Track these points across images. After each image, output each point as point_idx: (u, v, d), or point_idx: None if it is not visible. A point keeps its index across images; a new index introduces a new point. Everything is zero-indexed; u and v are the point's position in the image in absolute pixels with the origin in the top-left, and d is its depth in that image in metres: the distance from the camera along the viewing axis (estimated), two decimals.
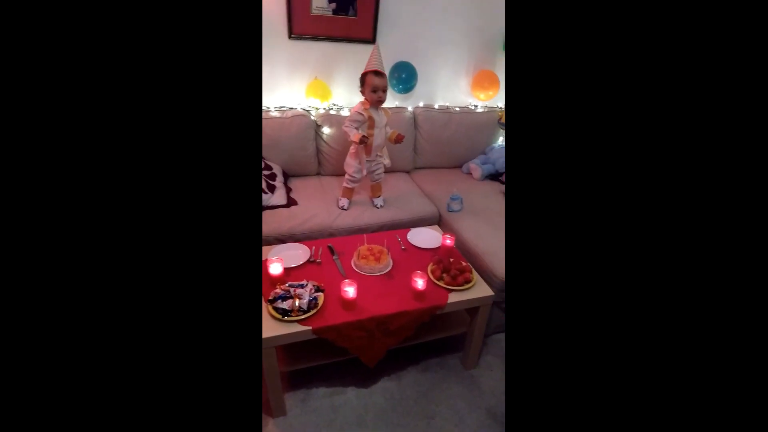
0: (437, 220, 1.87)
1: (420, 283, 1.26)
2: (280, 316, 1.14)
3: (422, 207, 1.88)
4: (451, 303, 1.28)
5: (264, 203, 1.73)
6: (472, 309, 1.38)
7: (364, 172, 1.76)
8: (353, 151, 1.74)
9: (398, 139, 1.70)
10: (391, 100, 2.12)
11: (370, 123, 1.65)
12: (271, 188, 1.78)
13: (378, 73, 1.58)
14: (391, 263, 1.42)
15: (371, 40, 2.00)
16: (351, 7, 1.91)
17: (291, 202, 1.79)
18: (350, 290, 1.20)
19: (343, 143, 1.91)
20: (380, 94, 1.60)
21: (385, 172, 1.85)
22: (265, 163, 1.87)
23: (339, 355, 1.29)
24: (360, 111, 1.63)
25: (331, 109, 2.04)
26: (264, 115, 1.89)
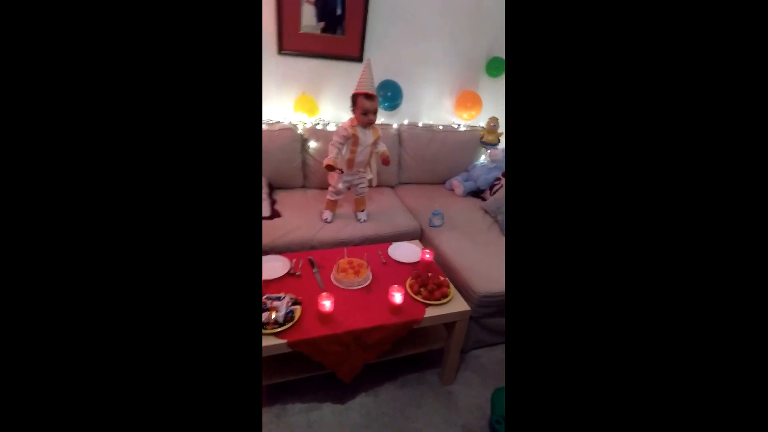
0: (419, 235, 1.89)
1: (397, 297, 1.27)
2: None
3: (404, 222, 1.91)
4: (427, 317, 1.29)
5: None
6: (449, 324, 1.39)
7: (340, 186, 1.78)
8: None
9: (384, 162, 1.76)
10: (378, 117, 2.17)
11: (354, 140, 1.68)
12: None
13: (369, 96, 1.60)
14: (371, 277, 1.43)
15: (359, 58, 2.05)
16: (339, 27, 1.97)
17: (274, 214, 1.80)
18: (327, 303, 1.21)
19: None
20: (370, 116, 1.64)
21: (369, 187, 1.88)
22: None
23: (315, 370, 1.28)
24: (346, 128, 1.66)
25: (318, 123, 2.08)
26: None
